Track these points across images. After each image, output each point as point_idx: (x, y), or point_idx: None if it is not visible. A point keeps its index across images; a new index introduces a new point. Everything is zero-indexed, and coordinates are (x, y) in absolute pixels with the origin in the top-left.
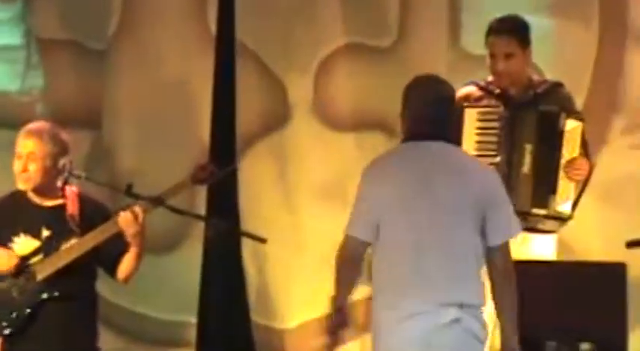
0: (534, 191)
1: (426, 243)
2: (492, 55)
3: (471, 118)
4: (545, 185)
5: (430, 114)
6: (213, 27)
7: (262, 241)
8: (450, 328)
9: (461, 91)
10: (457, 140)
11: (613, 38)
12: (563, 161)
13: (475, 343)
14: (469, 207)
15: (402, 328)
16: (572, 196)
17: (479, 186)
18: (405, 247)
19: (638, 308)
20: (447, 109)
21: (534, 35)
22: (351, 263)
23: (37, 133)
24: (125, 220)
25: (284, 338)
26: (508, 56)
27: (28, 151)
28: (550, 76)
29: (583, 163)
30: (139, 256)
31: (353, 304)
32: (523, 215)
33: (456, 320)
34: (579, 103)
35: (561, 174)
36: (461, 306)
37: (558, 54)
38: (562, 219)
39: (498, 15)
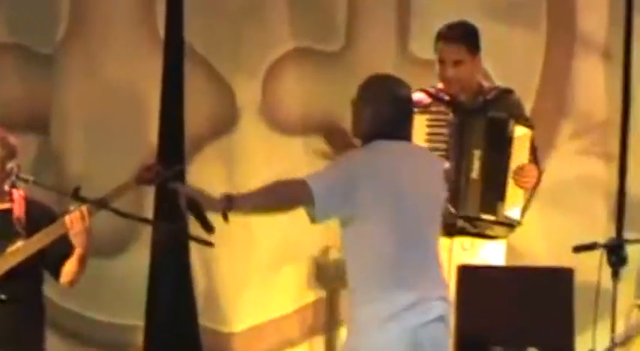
0: (483, 197)
1: (411, 240)
2: (441, 62)
3: (420, 125)
4: (493, 191)
5: (401, 114)
6: (161, 30)
7: (210, 244)
8: (436, 323)
9: None
10: None
11: (561, 43)
12: (512, 167)
13: (447, 339)
14: (439, 205)
15: (392, 324)
16: (521, 203)
17: (443, 186)
18: (390, 242)
19: (584, 313)
20: (411, 108)
21: (483, 41)
22: (286, 203)
23: None
24: (71, 222)
25: (232, 342)
26: (457, 63)
27: None
28: (499, 81)
29: (532, 170)
30: (84, 259)
31: (302, 307)
32: (472, 221)
33: (441, 317)
34: (528, 108)
35: (510, 180)
36: (444, 301)
37: (507, 59)
38: (511, 225)
39: (447, 20)
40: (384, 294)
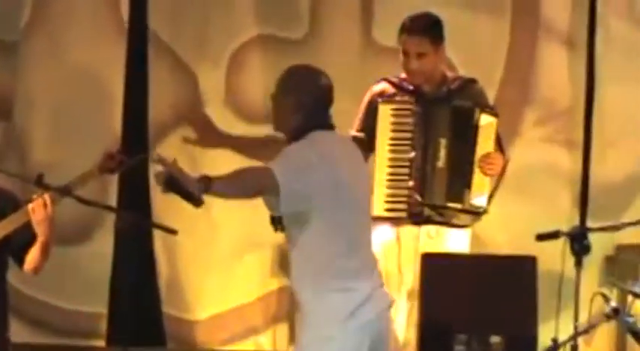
0: (449, 185)
1: (357, 230)
2: (405, 54)
3: (385, 114)
4: (460, 179)
5: (327, 103)
6: (125, 16)
7: (173, 232)
8: (387, 312)
9: (374, 88)
10: (372, 136)
11: (525, 30)
12: (477, 156)
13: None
14: (370, 193)
15: (361, 311)
16: (487, 191)
17: (368, 173)
18: (346, 233)
19: (547, 301)
20: (332, 96)
21: (447, 28)
22: (255, 190)
23: None
24: (34, 210)
25: (195, 329)
26: (420, 55)
27: None
28: (463, 69)
29: (497, 158)
30: (47, 247)
31: (265, 295)
32: (439, 209)
33: (389, 305)
34: (492, 95)
35: (476, 169)
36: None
37: (471, 47)
38: (477, 213)
39: (411, 7)
40: (350, 284)
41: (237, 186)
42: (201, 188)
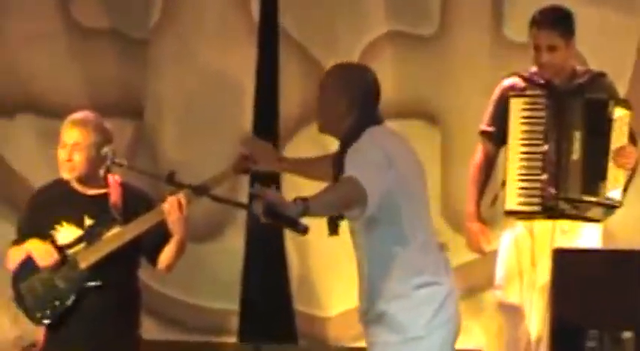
0: (584, 178)
1: (428, 223)
2: (536, 48)
3: (516, 108)
4: (595, 172)
5: (377, 98)
6: (256, 15)
7: (303, 231)
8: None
9: (505, 82)
10: (503, 130)
11: None
12: (612, 148)
13: None
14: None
15: (445, 306)
16: (622, 184)
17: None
18: (420, 227)
19: None
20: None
21: (578, 24)
22: (349, 206)
23: (82, 123)
24: (168, 209)
25: (326, 326)
26: (551, 49)
27: (73, 141)
28: (594, 65)
29: (632, 151)
30: (182, 245)
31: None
32: (573, 202)
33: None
34: (622, 91)
35: (611, 162)
36: None
37: (601, 43)
38: (613, 206)
39: (541, 3)
40: (436, 278)
41: (332, 204)
42: (299, 211)
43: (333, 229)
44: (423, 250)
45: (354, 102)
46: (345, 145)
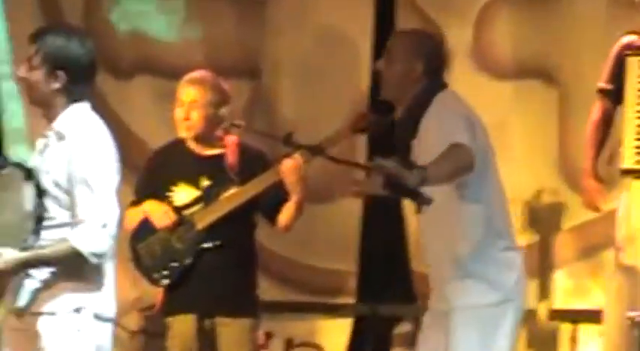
0: None
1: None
2: None
3: (633, 66)
4: None
5: (445, 62)
6: None
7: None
8: None
9: (623, 40)
10: (620, 88)
11: None
12: None
13: None
14: None
15: (522, 269)
16: None
17: None
18: (498, 188)
19: None
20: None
21: None
22: (455, 174)
23: (200, 82)
24: (286, 169)
25: None
26: None
27: (190, 100)
28: None
29: None
30: (300, 205)
31: None
32: None
33: None
34: None
35: None
36: None
37: None
38: None
39: None
40: (509, 246)
41: (449, 173)
42: (418, 181)
43: (425, 202)
44: (502, 213)
45: (426, 68)
46: (412, 111)
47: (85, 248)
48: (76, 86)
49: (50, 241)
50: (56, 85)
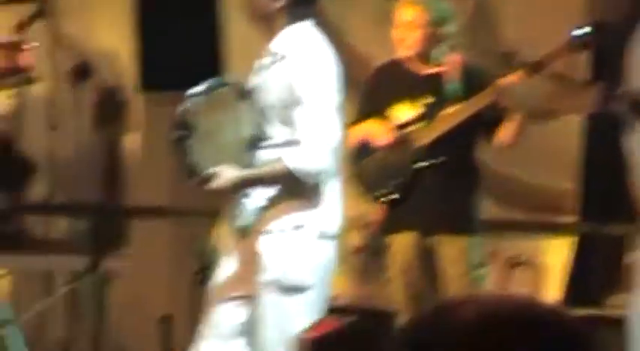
0: None
1: None
2: None
3: None
4: None
5: None
6: None
7: None
8: None
9: None
10: None
11: None
12: None
13: None
14: None
15: None
16: None
17: None
18: None
19: None
20: None
21: None
22: None
23: (418, 2)
24: (504, 88)
25: None
26: None
27: (409, 20)
28: None
29: None
30: (521, 124)
31: None
32: None
33: None
34: None
35: None
36: None
37: None
38: None
39: None
40: None
41: None
42: None
43: None
44: None
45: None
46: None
47: (300, 168)
48: (299, 6)
49: (269, 160)
50: (280, 3)
